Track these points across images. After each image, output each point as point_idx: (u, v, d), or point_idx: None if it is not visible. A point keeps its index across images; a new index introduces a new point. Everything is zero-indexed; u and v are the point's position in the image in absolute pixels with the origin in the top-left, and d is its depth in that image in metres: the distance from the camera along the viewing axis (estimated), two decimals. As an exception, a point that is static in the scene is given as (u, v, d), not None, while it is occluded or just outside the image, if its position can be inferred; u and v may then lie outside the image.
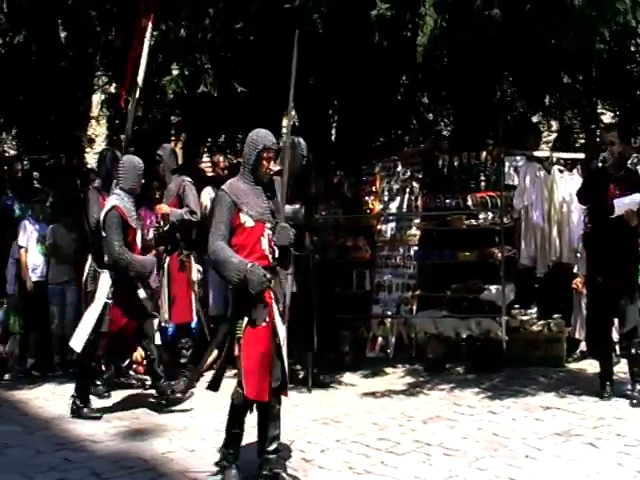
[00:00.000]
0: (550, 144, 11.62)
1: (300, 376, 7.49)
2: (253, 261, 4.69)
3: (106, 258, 6.60)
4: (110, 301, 6.56)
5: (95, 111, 13.92)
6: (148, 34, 7.14)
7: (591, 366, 7.71)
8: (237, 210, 4.78)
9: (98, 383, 7.44)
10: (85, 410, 6.63)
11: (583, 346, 8.00)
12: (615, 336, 7.72)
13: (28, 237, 8.74)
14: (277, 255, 4.87)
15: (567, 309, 8.13)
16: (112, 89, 12.93)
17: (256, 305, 4.72)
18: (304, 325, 7.41)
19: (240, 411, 4.80)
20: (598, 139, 11.63)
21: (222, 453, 4.88)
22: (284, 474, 4.83)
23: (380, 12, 6.67)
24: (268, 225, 4.86)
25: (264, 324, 4.74)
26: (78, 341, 6.55)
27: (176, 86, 7.51)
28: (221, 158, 9.54)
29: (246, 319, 4.71)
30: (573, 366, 7.81)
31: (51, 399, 7.45)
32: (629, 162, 8.92)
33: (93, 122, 14.49)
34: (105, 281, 6.62)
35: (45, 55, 9.60)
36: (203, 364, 7.32)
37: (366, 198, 9.07)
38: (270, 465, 4.83)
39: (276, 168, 5.12)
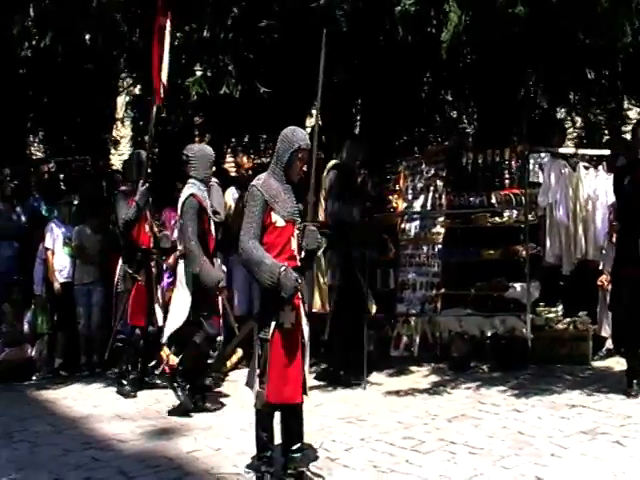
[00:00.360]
0: (575, 141, 11.57)
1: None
2: (282, 261, 4.67)
3: (180, 247, 6.60)
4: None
5: (120, 113, 14.04)
6: (167, 32, 7.13)
7: (617, 364, 7.65)
8: (269, 209, 4.72)
9: (124, 382, 7.52)
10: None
11: (609, 344, 7.93)
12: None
13: (54, 239, 8.83)
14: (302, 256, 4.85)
15: (593, 306, 8.08)
16: (137, 91, 13.03)
17: (284, 308, 4.70)
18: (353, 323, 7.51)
19: (265, 415, 4.79)
20: (625, 135, 11.58)
21: (253, 466, 4.86)
22: (308, 472, 4.85)
23: (404, 8, 6.66)
24: (296, 225, 4.85)
25: (291, 327, 4.73)
26: (168, 332, 6.68)
27: (199, 87, 7.55)
28: (245, 159, 9.56)
29: (274, 322, 4.69)
30: (599, 364, 7.74)
31: (79, 399, 7.53)
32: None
33: (118, 124, 14.61)
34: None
35: (71, 58, 9.70)
36: (223, 361, 7.37)
37: (390, 197, 9.05)
38: (294, 464, 4.84)
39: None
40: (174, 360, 7.83)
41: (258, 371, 4.74)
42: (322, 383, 7.41)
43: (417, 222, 8.79)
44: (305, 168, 4.98)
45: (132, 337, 7.60)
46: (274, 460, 4.83)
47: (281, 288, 4.59)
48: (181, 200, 6.49)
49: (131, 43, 9.53)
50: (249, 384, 4.87)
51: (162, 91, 7.29)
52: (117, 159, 14.72)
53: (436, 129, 11.67)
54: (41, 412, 7.09)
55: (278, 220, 4.75)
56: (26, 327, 9.02)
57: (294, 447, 4.86)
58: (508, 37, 7.12)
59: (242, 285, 8.35)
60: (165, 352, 8.25)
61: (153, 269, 7.66)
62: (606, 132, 11.08)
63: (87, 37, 9.96)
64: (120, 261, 7.60)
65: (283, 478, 4.82)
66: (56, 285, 8.75)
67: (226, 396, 7.14)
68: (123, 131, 15.26)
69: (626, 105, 11.41)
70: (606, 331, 7.90)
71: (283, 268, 4.60)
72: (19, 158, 11.80)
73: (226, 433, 5.94)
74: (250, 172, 8.88)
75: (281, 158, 4.84)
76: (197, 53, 8.13)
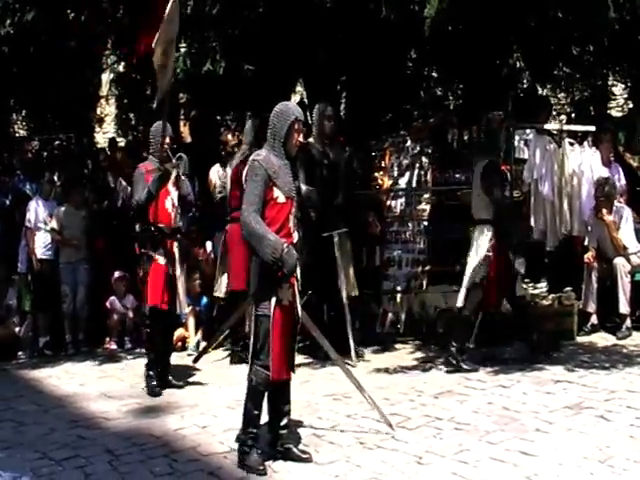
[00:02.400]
0: (562, 117, 11.58)
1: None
2: (282, 237, 4.66)
3: None
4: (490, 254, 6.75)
5: (104, 90, 13.94)
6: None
7: (602, 339, 7.72)
8: (272, 184, 4.71)
9: (151, 374, 6.81)
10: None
11: (594, 319, 7.98)
12: (627, 309, 7.75)
13: (36, 217, 8.78)
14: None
15: (578, 282, 8.12)
16: (121, 68, 12.94)
17: (282, 285, 4.70)
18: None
19: (262, 392, 4.78)
20: (609, 111, 11.61)
21: (241, 439, 4.81)
22: (295, 449, 4.86)
23: (387, -15, 6.62)
24: (294, 203, 4.85)
25: (287, 304, 4.74)
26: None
27: (183, 64, 7.47)
28: (229, 136, 9.50)
29: (274, 299, 4.68)
30: (584, 339, 7.78)
31: (64, 378, 7.52)
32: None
33: (102, 102, 14.51)
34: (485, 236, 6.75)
35: (54, 35, 9.59)
36: (213, 341, 7.36)
37: (375, 174, 9.04)
38: (281, 440, 4.87)
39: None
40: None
41: (254, 347, 4.73)
42: (309, 360, 7.43)
43: (403, 199, 8.80)
44: (302, 139, 4.98)
45: (153, 320, 6.87)
46: (260, 437, 4.84)
47: (283, 265, 4.59)
48: None
49: (115, 20, 9.44)
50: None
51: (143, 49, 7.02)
52: (101, 137, 14.64)
53: (421, 106, 11.64)
54: (26, 391, 7.08)
55: (280, 196, 4.75)
56: (12, 304, 8.99)
57: (282, 423, 4.88)
58: (491, 13, 7.10)
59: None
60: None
61: (175, 249, 6.89)
62: (591, 108, 11.07)
63: (70, 14, 9.88)
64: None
65: (271, 454, 4.82)
66: (35, 263, 8.71)
67: (212, 374, 7.15)
68: (107, 109, 15.17)
69: (611, 82, 11.43)
70: (591, 307, 7.95)
71: (286, 245, 4.60)
72: (2, 136, 11.73)
73: (213, 411, 5.95)
74: (235, 149, 8.84)
75: (279, 132, 4.82)
76: (181, 29, 8.06)
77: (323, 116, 7.57)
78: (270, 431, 4.91)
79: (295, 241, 4.80)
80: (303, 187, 6.87)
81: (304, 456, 4.83)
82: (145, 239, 6.83)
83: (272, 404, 4.90)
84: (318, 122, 7.59)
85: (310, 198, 7.32)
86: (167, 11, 6.06)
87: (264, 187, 4.69)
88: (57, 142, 11.09)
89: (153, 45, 6.22)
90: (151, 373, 6.74)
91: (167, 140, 6.79)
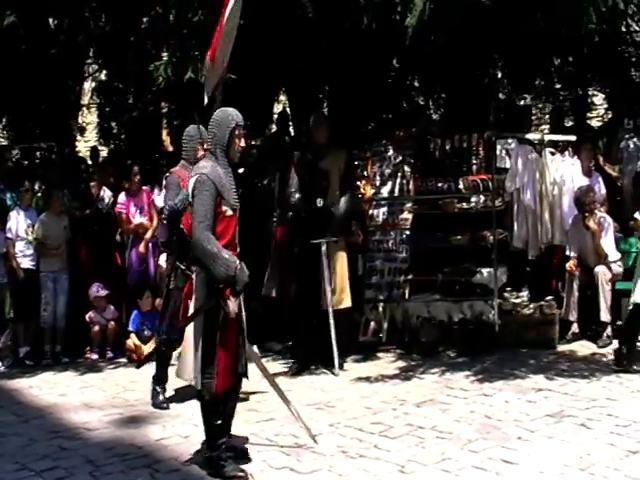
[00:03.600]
0: (542, 127, 11.66)
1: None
2: (230, 251, 4.67)
3: None
4: None
5: (86, 99, 13.89)
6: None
7: (583, 347, 7.77)
8: (219, 198, 4.68)
9: (158, 390, 6.56)
10: None
11: (575, 328, 8.03)
12: (607, 317, 7.80)
13: (16, 227, 8.70)
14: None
15: (559, 291, 8.17)
16: (103, 77, 12.91)
17: (231, 299, 4.69)
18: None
19: (215, 403, 4.79)
20: (590, 121, 11.70)
21: (213, 457, 4.79)
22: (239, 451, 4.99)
23: (369, -5, 6.65)
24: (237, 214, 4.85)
25: (234, 317, 4.74)
26: None
27: (164, 72, 7.46)
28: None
29: (222, 313, 4.68)
30: (565, 348, 7.82)
31: (45, 388, 7.45)
32: (621, 144, 9.00)
33: (84, 110, 14.46)
34: None
35: (35, 42, 9.56)
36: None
37: (358, 183, 9.05)
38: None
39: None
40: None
41: (202, 362, 4.72)
42: (289, 369, 7.43)
43: (385, 208, 8.81)
44: (243, 144, 4.94)
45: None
46: (229, 449, 4.85)
47: (236, 282, 4.60)
48: None
49: (97, 28, 9.42)
50: (188, 375, 4.89)
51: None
52: (83, 146, 14.59)
53: (404, 115, 11.69)
54: (6, 402, 7.00)
55: (228, 209, 4.73)
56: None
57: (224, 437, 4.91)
58: (474, 23, 7.15)
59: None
60: (134, 342, 8.26)
61: None
62: (572, 118, 11.16)
63: (52, 21, 9.86)
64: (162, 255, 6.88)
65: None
66: (19, 272, 8.64)
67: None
68: (89, 117, 15.12)
69: (591, 91, 11.51)
70: (572, 315, 8.00)
71: (238, 262, 4.62)
72: (-18, 144, 11.65)
73: (194, 420, 5.87)
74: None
75: (221, 141, 4.79)
76: (163, 38, 8.06)
77: (312, 124, 7.61)
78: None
79: (238, 252, 4.83)
80: (296, 195, 6.90)
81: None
82: (180, 251, 6.09)
83: (223, 411, 4.90)
84: (309, 131, 7.66)
85: (295, 205, 7.36)
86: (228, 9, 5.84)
87: (213, 202, 4.65)
88: (39, 152, 11.02)
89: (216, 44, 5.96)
90: (158, 389, 6.51)
91: (204, 145, 6.27)
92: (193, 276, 4.83)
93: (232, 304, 4.68)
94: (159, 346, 6.61)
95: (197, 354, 4.74)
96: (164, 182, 6.49)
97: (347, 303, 7.61)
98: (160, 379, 6.55)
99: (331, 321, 7.34)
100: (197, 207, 4.65)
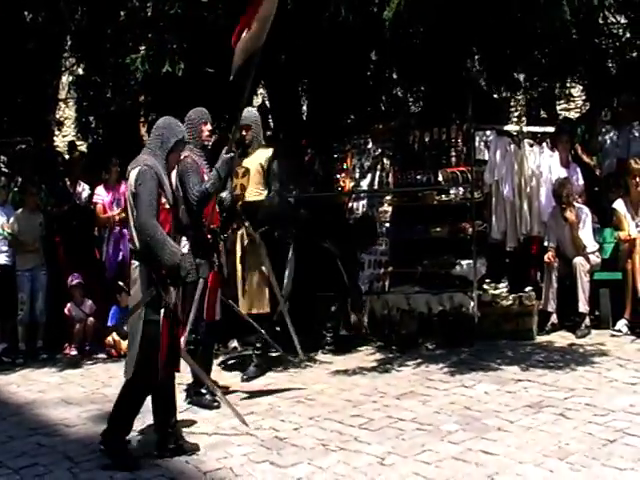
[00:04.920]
0: (522, 119, 11.68)
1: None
2: None
3: None
4: None
5: (63, 93, 13.76)
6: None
7: (561, 338, 7.80)
8: (161, 190, 4.85)
9: (203, 391, 6.21)
10: None
11: (554, 318, 8.06)
12: (586, 308, 7.85)
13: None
14: None
15: (538, 282, 8.21)
16: (80, 71, 12.78)
17: (170, 289, 4.88)
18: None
19: (145, 394, 4.95)
20: (567, 113, 11.75)
21: (110, 444, 4.92)
22: (186, 445, 5.03)
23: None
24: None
25: (174, 308, 4.93)
26: None
27: (141, 65, 7.41)
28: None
29: (163, 303, 4.83)
30: (544, 338, 7.83)
31: (23, 384, 7.41)
32: (606, 137, 9.05)
33: (61, 105, 14.32)
34: None
35: (11, 36, 9.46)
36: None
37: (337, 176, 9.05)
38: (174, 437, 5.03)
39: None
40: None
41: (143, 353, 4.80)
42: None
43: (364, 201, 8.82)
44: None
45: (210, 335, 6.33)
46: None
47: (180, 270, 4.78)
48: None
49: (74, 21, 9.34)
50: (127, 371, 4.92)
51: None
52: (61, 141, 14.47)
53: (383, 108, 11.67)
54: (-16, 399, 6.97)
55: (166, 202, 4.91)
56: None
57: (172, 421, 5.04)
58: (450, 16, 7.14)
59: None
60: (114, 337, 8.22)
61: (223, 255, 6.43)
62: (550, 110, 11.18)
63: (27, 15, 9.77)
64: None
65: (163, 455, 4.96)
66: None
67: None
68: (67, 112, 14.98)
69: (569, 83, 11.53)
70: (551, 306, 8.03)
71: (182, 251, 4.87)
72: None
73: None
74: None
75: (165, 144, 4.98)
76: (141, 31, 8.01)
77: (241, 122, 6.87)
78: (160, 431, 5.04)
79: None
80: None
81: (194, 449, 5.02)
82: (200, 241, 6.04)
83: (158, 404, 5.03)
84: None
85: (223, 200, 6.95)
86: None
87: (157, 192, 4.81)
88: (18, 147, 10.91)
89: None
90: (202, 390, 6.17)
91: (209, 127, 6.41)
92: (132, 268, 4.94)
93: (173, 294, 4.87)
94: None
95: (134, 344, 4.84)
96: (177, 168, 5.97)
97: (261, 308, 6.98)
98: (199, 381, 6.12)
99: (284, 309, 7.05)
100: (143, 196, 4.79)
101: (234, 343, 8.21)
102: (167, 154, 4.97)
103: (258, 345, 7.10)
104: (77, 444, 5.37)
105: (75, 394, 6.86)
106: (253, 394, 6.34)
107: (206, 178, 6.14)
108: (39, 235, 8.68)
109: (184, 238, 5.83)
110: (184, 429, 5.37)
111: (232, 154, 6.15)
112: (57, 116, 14.13)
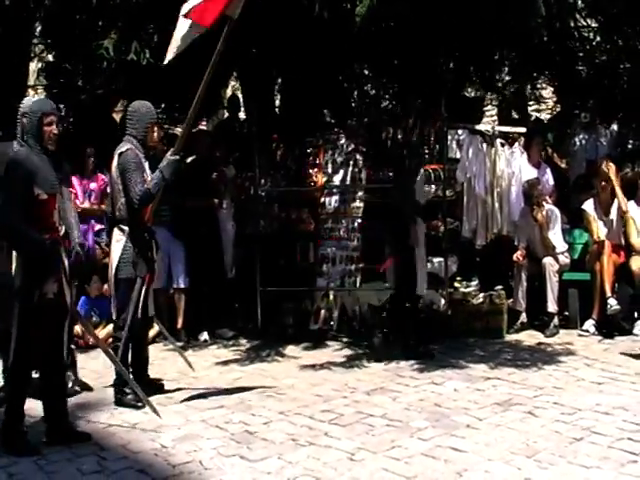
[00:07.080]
0: (494, 118, 11.76)
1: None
2: (45, 233, 4.85)
3: None
4: None
5: (32, 80, 13.55)
6: None
7: (531, 337, 7.87)
8: (32, 182, 4.82)
9: (127, 391, 5.92)
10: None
11: (523, 317, 8.13)
12: (554, 308, 7.93)
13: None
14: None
15: (507, 280, 8.27)
16: (50, 57, 12.61)
17: (47, 278, 4.88)
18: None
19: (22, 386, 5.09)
20: (539, 114, 11.84)
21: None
22: (75, 430, 5.23)
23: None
24: (59, 197, 4.98)
25: (53, 297, 4.91)
26: None
27: (105, 52, 7.34)
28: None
29: (37, 292, 4.84)
30: (513, 337, 7.92)
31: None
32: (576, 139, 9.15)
33: (30, 91, 14.10)
34: None
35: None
36: None
37: (310, 171, 9.02)
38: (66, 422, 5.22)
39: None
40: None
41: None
42: (239, 357, 7.39)
43: (337, 196, 8.78)
44: (55, 131, 5.04)
45: (130, 331, 5.98)
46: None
47: (48, 260, 4.87)
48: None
49: (44, 7, 9.20)
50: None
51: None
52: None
53: (356, 105, 11.66)
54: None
55: (41, 193, 4.86)
56: None
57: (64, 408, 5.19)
58: (422, 13, 7.16)
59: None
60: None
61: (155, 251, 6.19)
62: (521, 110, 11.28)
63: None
64: (116, 241, 5.97)
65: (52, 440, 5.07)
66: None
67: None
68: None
69: (540, 84, 11.62)
70: (520, 305, 8.11)
71: (48, 242, 4.86)
72: None
73: (143, 408, 5.84)
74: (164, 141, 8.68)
75: (31, 130, 4.99)
76: (112, 19, 7.91)
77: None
78: (49, 419, 5.15)
79: (62, 234, 4.99)
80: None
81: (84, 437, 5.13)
82: (137, 238, 5.86)
83: (48, 386, 5.20)
84: None
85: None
86: None
87: (24, 185, 4.81)
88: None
89: None
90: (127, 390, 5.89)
91: (157, 132, 6.27)
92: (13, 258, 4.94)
93: (49, 284, 4.86)
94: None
95: (12, 336, 4.87)
96: (116, 161, 5.92)
97: None
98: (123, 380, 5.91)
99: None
100: (6, 190, 4.85)
101: (204, 335, 8.16)
102: (36, 139, 4.97)
103: None
104: (43, 435, 5.29)
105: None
106: (225, 389, 6.32)
107: (146, 176, 5.87)
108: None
109: (119, 232, 5.90)
110: (153, 423, 5.34)
111: (178, 157, 5.79)
112: (26, 103, 13.92)
